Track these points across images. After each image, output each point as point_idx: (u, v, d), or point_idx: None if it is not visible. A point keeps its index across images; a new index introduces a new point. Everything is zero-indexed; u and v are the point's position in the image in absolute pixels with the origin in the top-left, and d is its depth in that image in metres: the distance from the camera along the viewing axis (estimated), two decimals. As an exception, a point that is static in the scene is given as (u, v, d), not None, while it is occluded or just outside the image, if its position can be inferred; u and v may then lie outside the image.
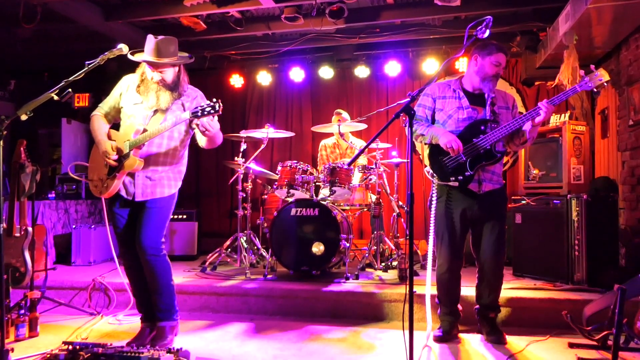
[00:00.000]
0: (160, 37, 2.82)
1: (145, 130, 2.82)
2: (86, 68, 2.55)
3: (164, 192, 2.95)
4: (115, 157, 2.83)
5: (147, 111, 2.90)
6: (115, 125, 3.05)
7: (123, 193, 2.92)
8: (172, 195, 3.01)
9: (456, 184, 2.95)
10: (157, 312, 2.95)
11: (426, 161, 3.11)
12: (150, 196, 2.92)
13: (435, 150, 3.02)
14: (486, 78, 2.96)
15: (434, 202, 3.06)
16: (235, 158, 4.63)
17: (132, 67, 3.01)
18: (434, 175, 3.04)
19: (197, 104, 2.91)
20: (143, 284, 2.98)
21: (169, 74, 2.90)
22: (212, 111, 2.61)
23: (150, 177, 2.92)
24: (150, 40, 2.83)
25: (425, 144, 3.09)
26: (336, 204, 4.51)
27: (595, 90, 2.79)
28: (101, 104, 3.05)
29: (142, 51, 2.87)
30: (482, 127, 2.92)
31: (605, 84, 2.75)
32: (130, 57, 2.87)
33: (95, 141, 2.94)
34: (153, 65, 2.85)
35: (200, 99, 3.00)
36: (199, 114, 2.63)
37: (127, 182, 2.91)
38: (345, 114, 5.18)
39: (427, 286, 3.07)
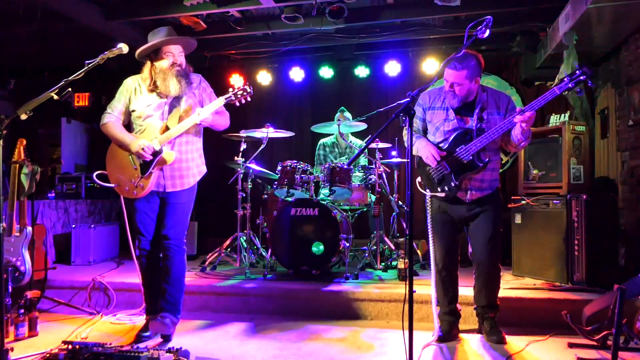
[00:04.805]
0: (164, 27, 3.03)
1: (167, 128, 2.95)
2: (86, 67, 2.55)
3: (190, 182, 3.11)
4: (151, 152, 2.90)
5: (163, 107, 3.00)
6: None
7: (155, 188, 3.01)
8: (194, 187, 3.16)
9: (442, 194, 2.97)
10: (163, 303, 2.99)
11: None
12: (179, 187, 3.05)
13: (422, 162, 3.05)
14: (449, 93, 2.97)
15: (427, 206, 3.07)
16: (235, 158, 4.62)
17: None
18: (425, 186, 3.07)
19: (202, 89, 3.13)
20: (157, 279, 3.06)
21: (183, 59, 3.06)
22: (245, 94, 3.00)
23: (177, 167, 3.02)
24: (159, 30, 2.99)
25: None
26: (336, 204, 4.51)
27: (578, 90, 2.72)
28: (109, 109, 3.04)
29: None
30: (468, 137, 2.92)
31: (589, 80, 2.62)
32: (153, 42, 2.96)
33: (123, 144, 2.94)
34: (181, 45, 3.03)
35: (203, 82, 3.18)
36: (233, 97, 3.00)
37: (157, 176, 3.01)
38: (347, 114, 5.19)
39: (432, 286, 3.07)
